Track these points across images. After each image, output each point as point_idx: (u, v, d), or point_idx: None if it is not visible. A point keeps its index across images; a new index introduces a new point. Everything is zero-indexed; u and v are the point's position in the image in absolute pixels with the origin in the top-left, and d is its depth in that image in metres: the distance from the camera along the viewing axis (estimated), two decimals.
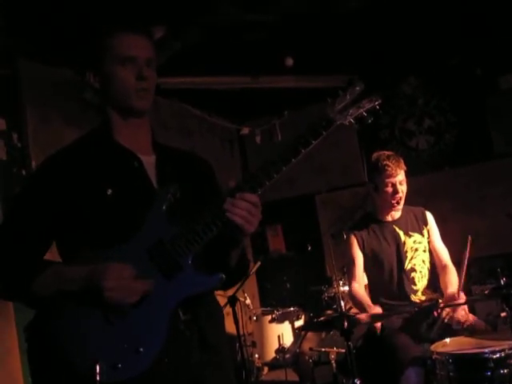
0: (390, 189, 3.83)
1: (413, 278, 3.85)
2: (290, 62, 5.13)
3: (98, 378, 1.70)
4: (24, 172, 4.15)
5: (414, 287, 3.85)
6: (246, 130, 6.71)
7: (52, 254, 1.99)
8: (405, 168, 3.87)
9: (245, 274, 2.24)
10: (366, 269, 3.94)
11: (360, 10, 4.50)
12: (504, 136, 5.70)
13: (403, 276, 3.85)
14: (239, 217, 1.85)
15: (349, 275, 4.02)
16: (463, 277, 3.60)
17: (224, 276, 1.90)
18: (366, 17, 4.63)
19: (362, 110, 2.04)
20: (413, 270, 3.86)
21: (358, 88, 2.02)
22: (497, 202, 5.52)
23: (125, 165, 1.99)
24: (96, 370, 1.71)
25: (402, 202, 3.89)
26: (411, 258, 3.88)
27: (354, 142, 6.28)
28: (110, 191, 1.91)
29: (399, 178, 3.83)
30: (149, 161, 2.03)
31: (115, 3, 3.73)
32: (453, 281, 3.81)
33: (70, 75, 4.28)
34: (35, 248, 1.94)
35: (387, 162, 3.80)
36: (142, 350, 1.78)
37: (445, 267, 3.92)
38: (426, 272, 3.90)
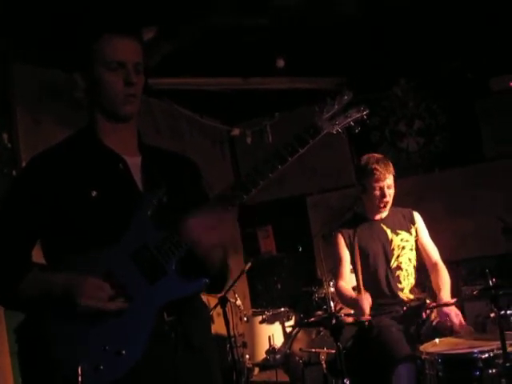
0: (377, 192, 3.86)
1: (398, 275, 3.88)
2: (281, 63, 5.14)
3: (79, 380, 1.71)
4: (14, 173, 4.14)
5: (399, 285, 3.87)
6: (236, 132, 6.70)
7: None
8: (393, 172, 3.90)
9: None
10: (355, 267, 3.94)
11: (352, 14, 4.52)
12: (494, 138, 5.72)
13: (389, 273, 3.87)
14: (193, 232, 1.86)
15: (336, 274, 4.03)
16: None
17: (208, 280, 1.92)
18: (357, 20, 4.64)
19: (349, 120, 2.05)
20: (398, 267, 3.89)
21: (346, 97, 2.03)
22: (486, 204, 5.55)
23: (110, 166, 1.99)
24: (78, 371, 1.72)
25: (389, 206, 3.92)
26: (398, 256, 3.90)
27: (345, 143, 6.28)
28: (94, 193, 1.91)
29: (387, 182, 3.86)
30: (134, 162, 2.04)
31: (107, 4, 3.73)
32: (445, 281, 3.84)
33: (61, 76, 4.28)
34: (20, 250, 1.94)
35: (376, 166, 3.82)
36: (124, 352, 1.79)
37: (435, 265, 3.94)
38: (411, 270, 3.92)
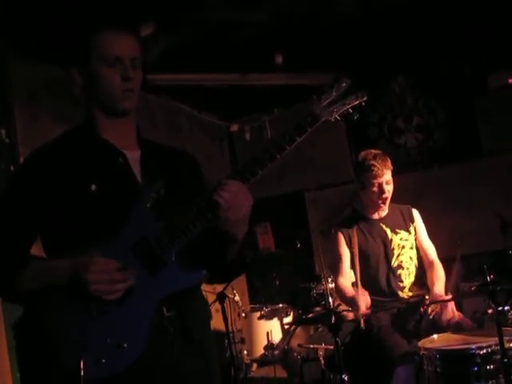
0: (376, 188, 3.84)
1: (399, 274, 3.88)
2: (279, 59, 5.14)
3: (82, 374, 1.71)
4: (12, 168, 4.14)
5: (401, 284, 3.87)
6: (235, 127, 6.69)
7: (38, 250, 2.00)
8: (391, 168, 3.88)
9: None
10: (354, 265, 3.95)
11: (351, 11, 4.51)
12: (492, 134, 5.73)
13: (390, 273, 3.87)
14: (223, 199, 1.85)
15: (336, 271, 4.03)
16: (454, 281, 3.63)
17: (207, 272, 1.92)
18: (356, 16, 4.64)
19: (347, 107, 2.05)
20: (400, 266, 3.89)
21: (343, 84, 2.02)
22: (485, 200, 5.55)
23: (109, 160, 1.99)
24: (80, 365, 1.72)
25: (388, 202, 3.91)
26: (398, 255, 3.90)
27: (343, 139, 6.29)
28: (93, 187, 1.91)
29: (386, 178, 3.84)
30: (133, 156, 2.03)
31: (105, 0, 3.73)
32: (440, 277, 3.84)
33: (59, 72, 4.27)
34: (20, 244, 1.94)
35: (374, 162, 3.81)
36: (125, 345, 1.79)
37: (431, 263, 3.94)
38: (413, 269, 3.92)
